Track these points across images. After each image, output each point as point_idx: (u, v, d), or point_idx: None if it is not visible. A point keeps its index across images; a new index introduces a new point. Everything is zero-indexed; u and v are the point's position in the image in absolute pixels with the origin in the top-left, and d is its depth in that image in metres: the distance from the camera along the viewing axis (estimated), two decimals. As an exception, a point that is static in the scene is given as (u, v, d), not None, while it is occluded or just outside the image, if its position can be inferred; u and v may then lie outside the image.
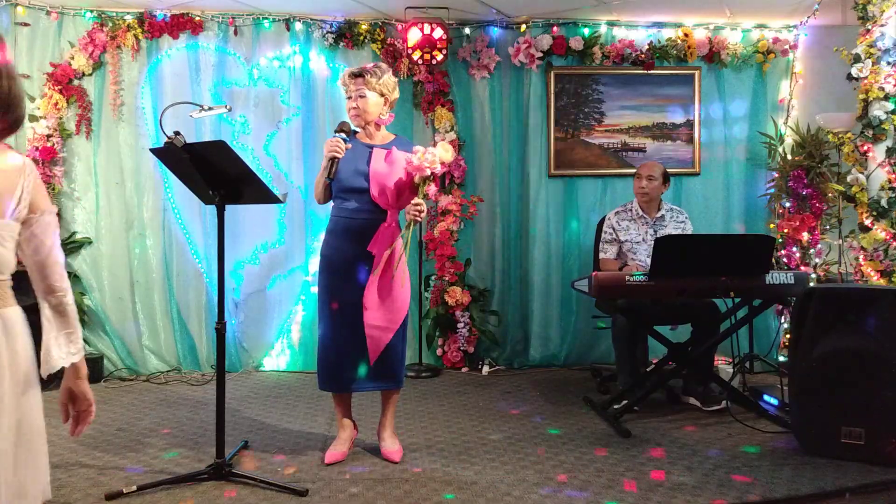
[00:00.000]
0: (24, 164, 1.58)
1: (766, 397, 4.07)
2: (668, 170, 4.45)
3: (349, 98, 3.16)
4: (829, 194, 4.76)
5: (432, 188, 3.05)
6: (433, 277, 5.10)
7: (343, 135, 3.08)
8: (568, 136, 5.26)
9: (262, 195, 2.96)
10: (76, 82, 4.85)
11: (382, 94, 3.14)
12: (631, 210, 4.34)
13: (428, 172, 2.96)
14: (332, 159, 3.04)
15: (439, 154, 2.95)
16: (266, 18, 5.03)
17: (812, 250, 4.87)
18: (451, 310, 5.02)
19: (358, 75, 3.13)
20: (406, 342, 3.29)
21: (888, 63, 4.04)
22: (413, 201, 3.03)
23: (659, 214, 4.31)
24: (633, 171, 4.79)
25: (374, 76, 3.11)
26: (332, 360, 3.15)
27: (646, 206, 4.30)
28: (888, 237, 3.99)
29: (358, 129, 3.21)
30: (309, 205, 5.06)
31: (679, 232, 4.26)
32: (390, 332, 3.14)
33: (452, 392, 4.46)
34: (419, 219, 3.01)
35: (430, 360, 5.11)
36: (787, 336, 4.45)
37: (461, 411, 4.02)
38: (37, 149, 4.71)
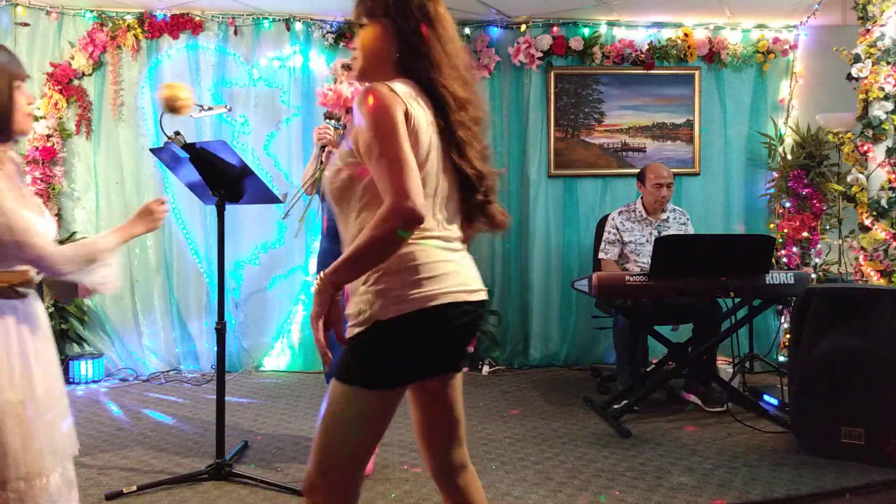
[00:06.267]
0: None
1: (766, 397, 4.07)
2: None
3: None
4: (829, 194, 4.76)
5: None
6: (433, 277, 5.10)
7: (333, 121, 2.95)
8: (568, 136, 5.25)
9: (263, 195, 2.96)
10: (76, 82, 4.85)
11: None
12: (634, 211, 4.33)
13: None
14: (323, 147, 2.96)
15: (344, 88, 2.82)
16: (266, 18, 5.02)
17: (812, 250, 4.87)
18: (451, 310, 5.01)
19: None
20: None
21: (888, 63, 4.04)
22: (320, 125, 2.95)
23: (664, 216, 4.30)
24: (634, 171, 4.79)
25: None
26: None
27: (653, 209, 4.29)
28: (888, 237, 3.99)
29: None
30: (308, 205, 5.05)
31: (680, 232, 4.26)
32: None
33: (452, 392, 4.45)
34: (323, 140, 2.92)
35: (430, 360, 5.10)
36: (787, 336, 4.45)
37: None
38: (37, 149, 4.71)
